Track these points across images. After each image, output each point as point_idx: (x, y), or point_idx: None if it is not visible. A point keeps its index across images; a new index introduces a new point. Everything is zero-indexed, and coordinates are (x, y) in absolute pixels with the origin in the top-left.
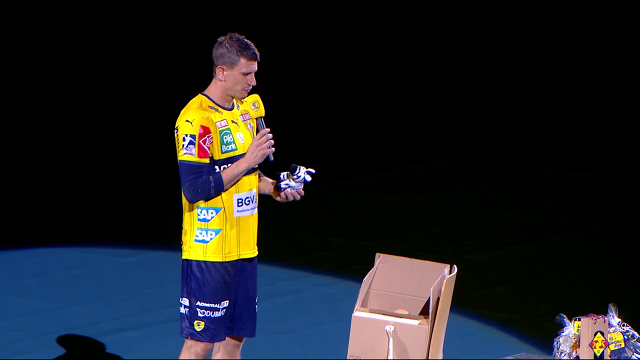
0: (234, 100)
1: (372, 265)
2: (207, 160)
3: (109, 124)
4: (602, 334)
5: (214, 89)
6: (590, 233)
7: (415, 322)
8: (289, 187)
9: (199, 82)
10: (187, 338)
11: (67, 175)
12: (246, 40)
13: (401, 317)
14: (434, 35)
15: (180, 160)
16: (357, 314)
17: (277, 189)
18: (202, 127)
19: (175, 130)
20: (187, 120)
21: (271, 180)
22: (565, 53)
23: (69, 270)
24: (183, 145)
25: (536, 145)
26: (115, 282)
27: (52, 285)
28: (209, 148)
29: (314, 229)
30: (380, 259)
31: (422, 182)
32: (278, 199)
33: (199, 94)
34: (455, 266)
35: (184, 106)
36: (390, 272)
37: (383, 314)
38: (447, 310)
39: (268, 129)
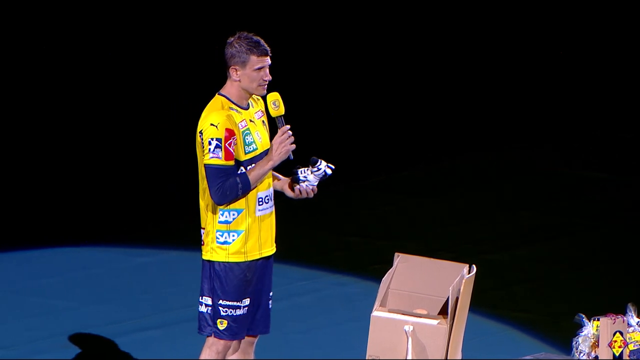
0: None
1: (391, 265)
2: (233, 163)
3: (124, 123)
4: (621, 333)
5: (230, 89)
6: (609, 233)
7: (434, 322)
8: (307, 180)
9: (204, 80)
10: (209, 336)
11: (86, 174)
12: (255, 37)
13: (420, 317)
14: (453, 34)
15: (207, 164)
16: (376, 313)
17: (295, 181)
18: (227, 130)
19: (200, 134)
20: (212, 124)
21: (283, 177)
22: (586, 52)
23: (87, 269)
24: (209, 149)
25: (554, 145)
26: (133, 282)
27: (70, 285)
28: (233, 150)
29: (332, 229)
30: (399, 258)
31: (439, 182)
32: (291, 194)
33: (217, 95)
34: (474, 266)
35: (192, 104)
36: (409, 271)
37: (402, 314)
38: (466, 310)
39: (288, 126)
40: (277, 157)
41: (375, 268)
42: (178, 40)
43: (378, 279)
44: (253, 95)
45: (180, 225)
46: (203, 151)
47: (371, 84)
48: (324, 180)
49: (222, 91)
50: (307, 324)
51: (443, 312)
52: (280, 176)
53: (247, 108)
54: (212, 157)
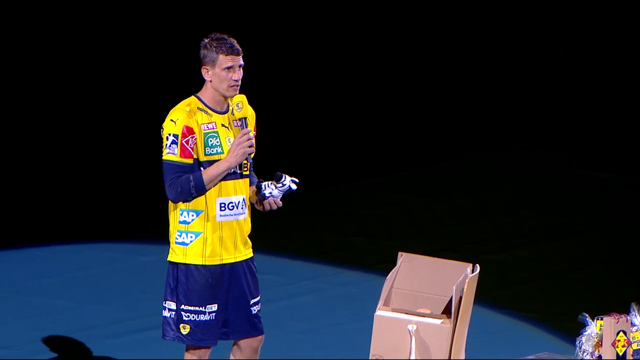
0: (231, 105)
1: (394, 264)
2: (190, 161)
3: (125, 123)
4: (624, 333)
5: (205, 91)
6: (612, 232)
7: (438, 322)
8: (272, 195)
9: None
10: (176, 342)
11: (87, 173)
12: (225, 37)
13: (424, 317)
14: (454, 34)
15: (163, 160)
16: (379, 313)
17: (261, 197)
18: (186, 127)
19: (161, 129)
20: (171, 120)
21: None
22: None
23: (88, 269)
24: (166, 144)
25: (555, 145)
26: (134, 282)
27: (70, 285)
28: (192, 149)
29: (335, 229)
30: (403, 257)
31: (442, 181)
32: (260, 208)
33: (192, 96)
34: (477, 265)
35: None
36: (412, 271)
37: (405, 313)
38: (470, 309)
39: (249, 129)
40: (233, 159)
41: (379, 268)
42: (178, 41)
43: (381, 279)
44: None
45: None
46: (162, 146)
47: (373, 84)
48: (289, 193)
49: (198, 92)
50: (310, 323)
51: (447, 311)
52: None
53: (223, 112)
54: (168, 153)
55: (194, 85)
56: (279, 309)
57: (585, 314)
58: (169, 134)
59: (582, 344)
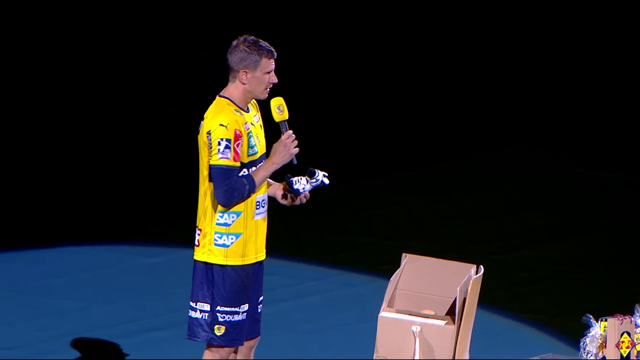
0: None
1: (398, 265)
2: (239, 164)
3: (132, 123)
4: (628, 334)
5: (234, 91)
6: (616, 232)
7: (442, 323)
8: (305, 190)
9: (203, 81)
10: (210, 344)
11: (95, 174)
12: (261, 41)
13: (427, 318)
14: (455, 34)
15: (216, 165)
16: (383, 314)
17: (292, 192)
18: (237, 130)
19: (208, 135)
20: (221, 124)
21: (275, 183)
22: (587, 52)
23: (95, 270)
24: (219, 149)
25: (561, 144)
26: (142, 282)
27: (78, 285)
28: (240, 152)
29: (340, 229)
30: (407, 259)
31: (446, 182)
32: (284, 202)
33: (219, 97)
34: (481, 266)
35: (193, 106)
36: (416, 272)
37: (409, 314)
38: (474, 310)
39: (291, 131)
40: (280, 160)
41: (383, 268)
42: (178, 41)
43: (387, 279)
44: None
45: (188, 226)
46: (211, 152)
47: (374, 84)
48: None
49: (224, 93)
50: (316, 324)
51: (450, 312)
52: (272, 182)
53: (248, 111)
54: (221, 158)
55: (194, 85)
56: (285, 309)
57: (589, 315)
58: (222, 139)
59: (586, 345)
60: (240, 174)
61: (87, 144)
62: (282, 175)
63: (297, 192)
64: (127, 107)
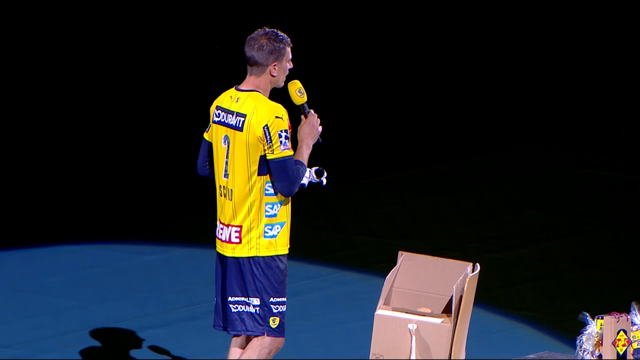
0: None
1: (395, 264)
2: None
3: (129, 122)
4: (624, 332)
5: (262, 85)
6: (615, 232)
7: (438, 321)
8: (310, 183)
9: (203, 80)
10: (261, 336)
11: (92, 172)
12: (275, 30)
13: (424, 316)
14: (461, 33)
15: (280, 157)
16: (379, 312)
17: (300, 188)
18: (289, 122)
19: (265, 129)
20: (277, 117)
21: None
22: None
23: (92, 268)
24: (281, 141)
25: (561, 144)
26: (139, 280)
27: (75, 284)
28: None
29: (338, 228)
30: (403, 257)
31: (446, 181)
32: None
33: (251, 92)
34: (477, 264)
35: (191, 105)
36: (413, 270)
37: (406, 312)
38: (470, 308)
39: (312, 110)
40: (311, 141)
41: (381, 267)
42: (178, 40)
43: (383, 278)
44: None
45: (186, 224)
46: (272, 145)
47: (376, 83)
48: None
49: (253, 88)
50: (313, 322)
51: (447, 310)
52: None
53: None
54: (284, 149)
55: (194, 85)
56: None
57: (585, 313)
58: (281, 131)
59: (583, 343)
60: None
61: (81, 143)
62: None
63: (302, 187)
64: (122, 106)
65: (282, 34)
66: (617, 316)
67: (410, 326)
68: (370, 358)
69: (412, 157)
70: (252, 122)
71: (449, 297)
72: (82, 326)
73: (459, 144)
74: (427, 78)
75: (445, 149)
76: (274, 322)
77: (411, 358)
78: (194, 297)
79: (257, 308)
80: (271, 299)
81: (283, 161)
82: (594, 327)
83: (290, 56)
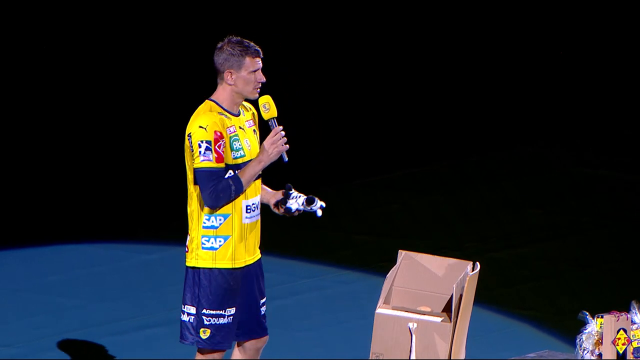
0: (240, 107)
1: (395, 263)
2: (223, 165)
3: (129, 122)
4: (624, 331)
5: (222, 94)
6: (615, 231)
7: (438, 319)
8: (297, 210)
9: (203, 79)
10: (194, 346)
11: (91, 172)
12: (244, 40)
13: (424, 314)
14: (461, 33)
15: (199, 168)
16: (379, 311)
17: (287, 210)
18: (216, 132)
19: (188, 137)
20: (200, 127)
21: (271, 190)
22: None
23: (92, 267)
24: (200, 152)
25: (561, 143)
26: (139, 280)
27: (75, 283)
28: (223, 153)
29: (337, 227)
30: (403, 256)
31: (446, 180)
32: (277, 211)
33: (207, 100)
34: (478, 263)
35: (190, 104)
36: (412, 269)
37: (406, 311)
38: (470, 307)
39: (281, 127)
40: (267, 158)
41: (381, 266)
42: (178, 41)
43: (383, 277)
44: (244, 104)
45: (185, 223)
46: (193, 155)
47: (376, 82)
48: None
49: (212, 97)
50: (312, 321)
51: (447, 309)
52: (268, 189)
53: (237, 115)
54: (204, 160)
55: (195, 84)
56: (282, 306)
57: (585, 312)
58: (201, 141)
59: (583, 342)
60: (227, 176)
61: (81, 143)
62: (283, 183)
63: (288, 210)
64: (122, 106)
65: (248, 43)
66: (617, 315)
67: (410, 325)
68: (370, 357)
69: (412, 157)
70: (186, 131)
71: (449, 296)
72: (82, 325)
73: (459, 144)
74: (427, 78)
75: (445, 149)
76: (204, 333)
77: (411, 357)
78: None
79: (192, 317)
80: (204, 310)
81: (201, 171)
82: (593, 326)
83: (255, 67)
